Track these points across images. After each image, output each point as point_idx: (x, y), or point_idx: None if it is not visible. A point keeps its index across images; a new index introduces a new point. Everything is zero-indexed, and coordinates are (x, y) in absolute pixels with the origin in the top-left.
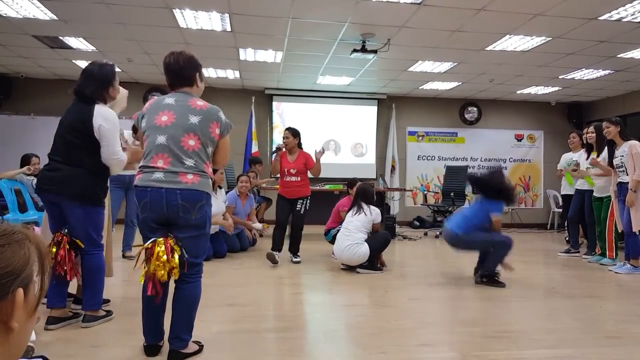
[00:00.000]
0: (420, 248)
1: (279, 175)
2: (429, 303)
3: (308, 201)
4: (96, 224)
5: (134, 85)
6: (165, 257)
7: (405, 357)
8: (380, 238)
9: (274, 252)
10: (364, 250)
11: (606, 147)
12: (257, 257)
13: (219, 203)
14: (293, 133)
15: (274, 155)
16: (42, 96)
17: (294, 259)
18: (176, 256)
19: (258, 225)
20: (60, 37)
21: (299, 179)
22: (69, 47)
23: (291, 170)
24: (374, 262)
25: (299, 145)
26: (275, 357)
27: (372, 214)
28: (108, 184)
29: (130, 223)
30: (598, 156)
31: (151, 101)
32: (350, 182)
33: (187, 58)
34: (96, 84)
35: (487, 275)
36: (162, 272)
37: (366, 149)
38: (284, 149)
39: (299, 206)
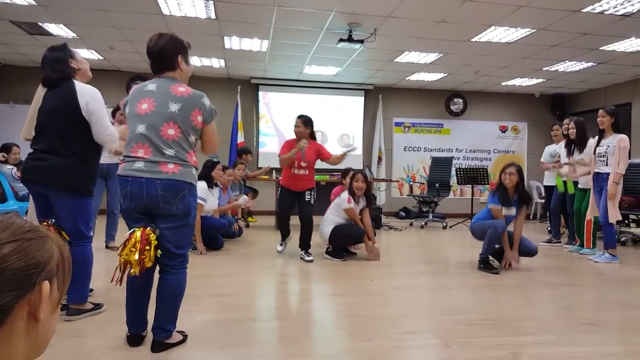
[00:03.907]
0: (406, 238)
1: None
2: (414, 292)
3: (315, 192)
4: (85, 215)
5: (116, 73)
6: (139, 246)
7: (389, 344)
8: (347, 230)
9: (285, 242)
10: (326, 230)
11: (588, 143)
12: (244, 247)
13: (213, 200)
14: (304, 121)
15: (293, 151)
16: (22, 84)
17: (307, 258)
18: (152, 247)
19: (244, 198)
20: (40, 23)
21: (307, 172)
22: (49, 34)
23: (302, 164)
24: (338, 250)
25: (312, 135)
26: (260, 346)
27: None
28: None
29: (112, 213)
30: (581, 152)
31: (135, 87)
32: (344, 172)
33: (168, 39)
34: (55, 64)
35: (482, 261)
36: (133, 260)
37: (353, 140)
38: (304, 148)
39: (307, 197)
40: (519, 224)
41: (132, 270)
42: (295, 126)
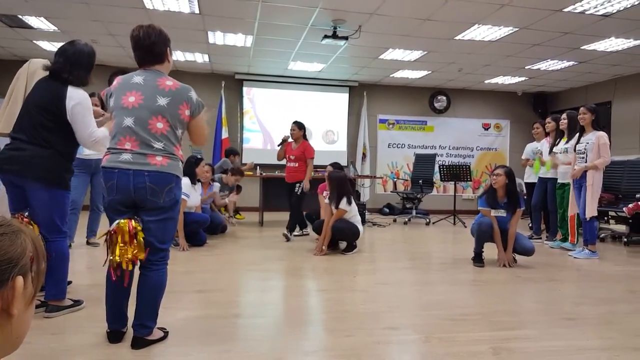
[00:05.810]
0: (389, 234)
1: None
2: (396, 287)
3: (303, 185)
4: (61, 209)
5: (99, 67)
6: (127, 239)
7: (370, 340)
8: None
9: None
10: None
11: (576, 135)
12: (227, 244)
13: (196, 196)
14: (298, 126)
15: (280, 146)
16: (2, 78)
17: (285, 232)
18: (140, 238)
19: (221, 200)
20: (20, 16)
21: (296, 165)
22: (30, 27)
23: (290, 157)
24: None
25: (304, 136)
26: (243, 343)
27: None
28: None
29: (96, 208)
30: (567, 142)
31: (119, 79)
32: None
33: (158, 32)
34: (83, 67)
35: (474, 257)
36: (127, 256)
37: (337, 136)
38: (289, 140)
39: (296, 189)
40: (512, 225)
41: (128, 266)
42: (291, 129)
